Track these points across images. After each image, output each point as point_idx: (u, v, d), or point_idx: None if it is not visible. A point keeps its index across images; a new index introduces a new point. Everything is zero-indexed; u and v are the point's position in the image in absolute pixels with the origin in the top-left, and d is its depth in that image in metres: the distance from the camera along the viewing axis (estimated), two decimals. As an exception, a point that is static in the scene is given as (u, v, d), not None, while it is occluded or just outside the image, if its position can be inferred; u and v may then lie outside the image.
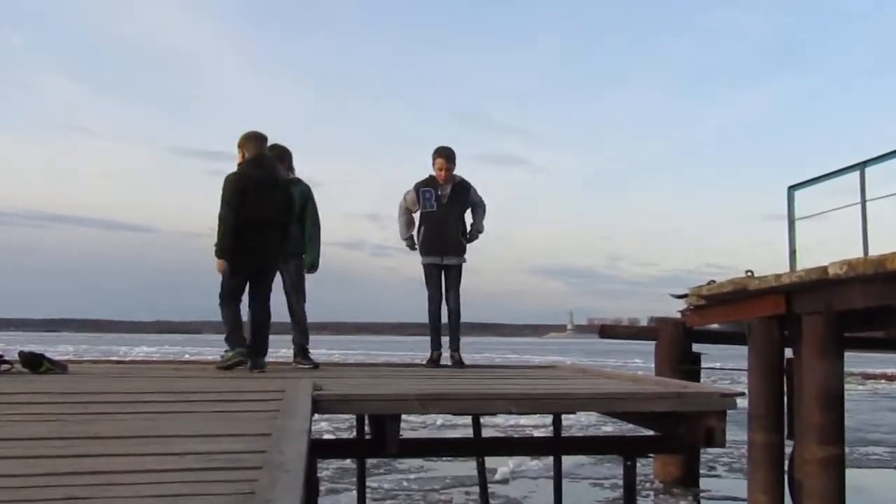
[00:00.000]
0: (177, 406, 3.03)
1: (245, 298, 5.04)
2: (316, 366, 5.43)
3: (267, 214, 4.94)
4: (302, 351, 5.52)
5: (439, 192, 5.76)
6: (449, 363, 5.74)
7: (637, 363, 35.84)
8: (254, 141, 5.03)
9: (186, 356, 26.66)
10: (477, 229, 5.87)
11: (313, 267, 5.56)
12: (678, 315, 6.86)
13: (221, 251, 4.83)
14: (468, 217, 5.92)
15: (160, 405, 3.07)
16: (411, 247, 5.90)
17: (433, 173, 5.79)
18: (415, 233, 5.88)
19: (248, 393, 3.52)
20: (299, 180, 5.52)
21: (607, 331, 7.61)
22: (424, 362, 5.95)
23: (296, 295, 5.50)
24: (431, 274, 5.80)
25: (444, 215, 5.76)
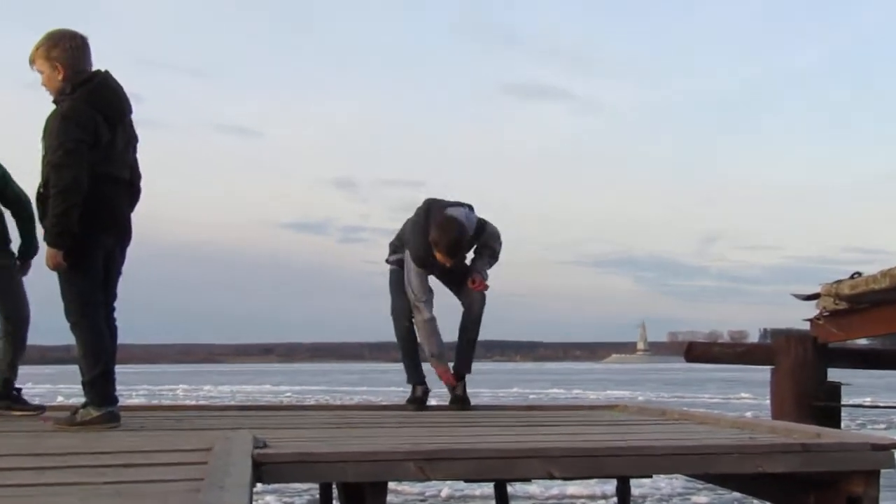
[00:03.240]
0: (51, 475, 3.02)
1: None
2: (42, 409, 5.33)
3: (122, 167, 4.76)
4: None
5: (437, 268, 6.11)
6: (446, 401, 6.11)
7: (745, 399, 35.73)
8: (84, 45, 4.70)
9: (60, 398, 26.67)
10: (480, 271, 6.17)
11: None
12: (806, 326, 6.86)
13: (65, 236, 4.50)
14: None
15: (26, 474, 3.05)
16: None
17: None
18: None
19: (154, 453, 3.52)
20: None
21: (697, 351, 7.57)
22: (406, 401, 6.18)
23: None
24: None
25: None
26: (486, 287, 6.16)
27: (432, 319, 6.07)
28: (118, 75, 4.76)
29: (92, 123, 4.55)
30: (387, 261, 6.29)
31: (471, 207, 6.12)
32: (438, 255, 5.90)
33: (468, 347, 6.22)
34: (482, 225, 6.10)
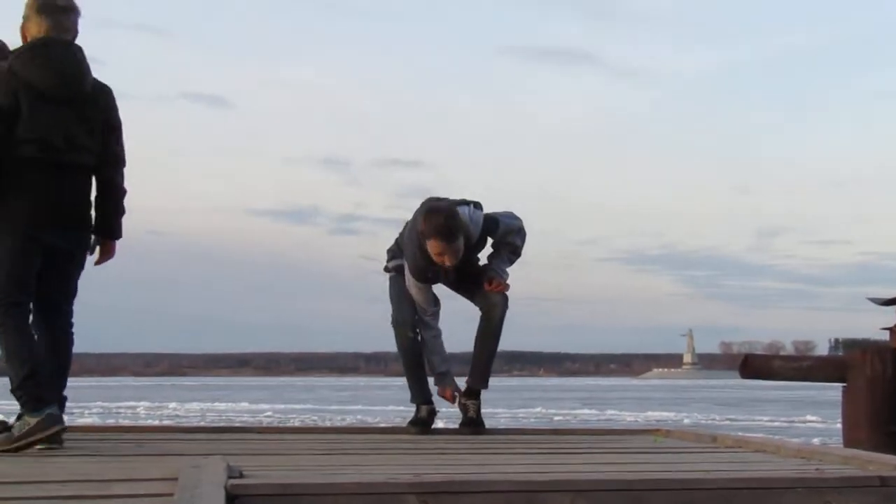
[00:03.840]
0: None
1: None
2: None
3: (74, 151, 4.71)
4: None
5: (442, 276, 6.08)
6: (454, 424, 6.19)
7: (811, 423, 36.00)
8: (55, 11, 4.67)
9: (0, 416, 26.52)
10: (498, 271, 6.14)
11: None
12: (885, 336, 6.98)
13: None
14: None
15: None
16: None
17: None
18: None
19: (110, 483, 3.45)
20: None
21: (755, 365, 7.55)
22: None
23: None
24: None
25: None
26: (507, 288, 6.06)
27: (438, 333, 6.07)
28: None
29: (10, 94, 4.55)
30: (385, 268, 6.25)
31: (477, 205, 6.00)
32: (433, 249, 5.76)
33: (486, 359, 6.06)
34: (493, 221, 5.96)
